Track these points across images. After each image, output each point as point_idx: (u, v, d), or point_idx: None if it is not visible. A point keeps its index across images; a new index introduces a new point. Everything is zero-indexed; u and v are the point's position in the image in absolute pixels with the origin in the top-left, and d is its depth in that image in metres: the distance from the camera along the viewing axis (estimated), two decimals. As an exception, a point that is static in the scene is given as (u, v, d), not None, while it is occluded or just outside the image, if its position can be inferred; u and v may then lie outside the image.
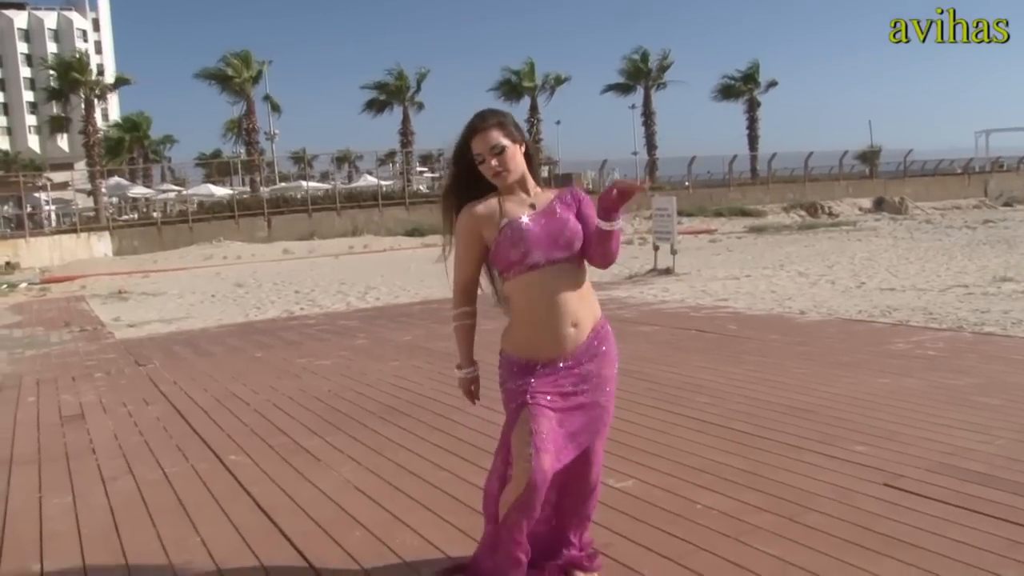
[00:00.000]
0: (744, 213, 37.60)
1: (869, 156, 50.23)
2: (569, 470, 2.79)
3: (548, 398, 2.68)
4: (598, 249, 2.74)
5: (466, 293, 2.84)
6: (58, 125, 46.99)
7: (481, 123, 2.70)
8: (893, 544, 3.07)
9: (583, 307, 2.74)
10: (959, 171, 49.84)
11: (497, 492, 2.77)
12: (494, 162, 2.68)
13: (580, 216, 2.76)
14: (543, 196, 2.78)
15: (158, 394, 6.73)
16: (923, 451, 4.09)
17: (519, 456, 2.63)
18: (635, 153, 50.18)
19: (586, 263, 2.79)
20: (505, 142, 2.69)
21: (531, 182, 2.79)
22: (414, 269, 20.65)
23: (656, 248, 16.65)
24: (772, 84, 51.91)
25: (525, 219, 2.70)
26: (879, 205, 40.54)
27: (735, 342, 7.49)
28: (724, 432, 4.63)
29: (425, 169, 56.54)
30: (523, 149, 2.76)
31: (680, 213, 23.73)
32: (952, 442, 4.20)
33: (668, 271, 15.66)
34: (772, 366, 6.35)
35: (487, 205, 2.74)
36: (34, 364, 8.88)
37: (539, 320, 2.70)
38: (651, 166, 47.61)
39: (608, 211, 2.68)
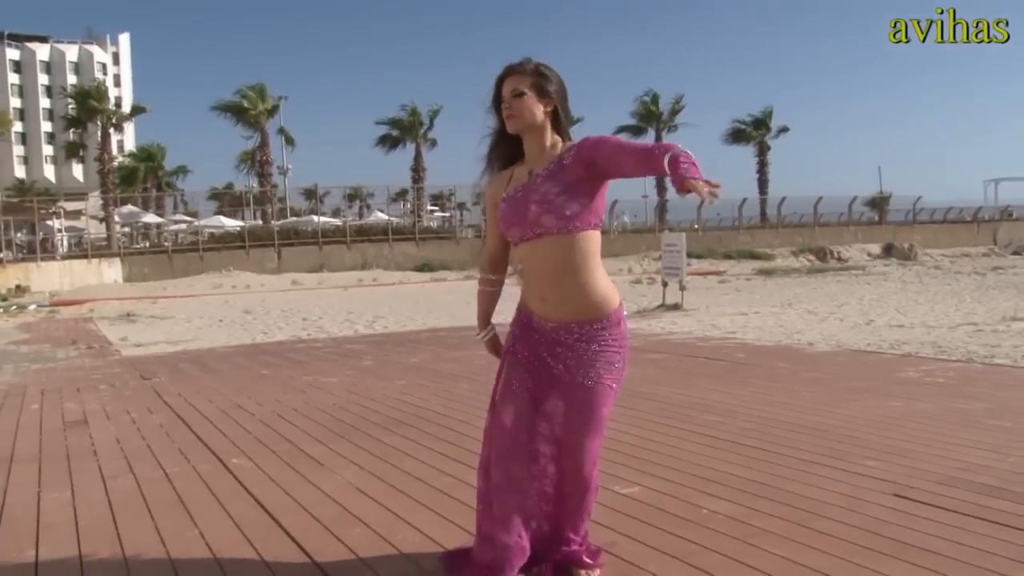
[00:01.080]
0: (753, 256, 37.64)
1: (879, 202, 50.35)
2: (563, 467, 2.75)
3: (526, 358, 2.75)
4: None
5: (491, 261, 2.93)
6: (74, 151, 47.55)
7: (516, 65, 2.70)
8: (904, 548, 3.00)
9: (561, 288, 2.66)
10: (968, 219, 49.89)
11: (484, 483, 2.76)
12: (505, 105, 2.68)
13: (593, 167, 2.57)
14: (547, 160, 2.69)
15: (162, 404, 6.70)
16: (934, 466, 4.02)
17: (494, 403, 2.75)
18: (645, 196, 50.44)
19: (584, 240, 2.63)
20: (526, 90, 2.65)
21: (549, 141, 2.73)
22: (423, 301, 20.68)
23: (665, 284, 16.63)
24: (783, 130, 52.27)
25: (506, 196, 2.73)
26: (888, 251, 40.49)
27: (743, 368, 7.44)
28: (733, 447, 4.57)
29: (436, 208, 56.80)
30: (549, 108, 2.69)
31: (689, 255, 23.72)
32: (964, 459, 4.14)
33: (677, 307, 15.61)
34: (781, 390, 6.29)
35: (503, 174, 2.80)
36: (39, 376, 8.86)
37: (526, 283, 2.79)
38: (661, 208, 47.79)
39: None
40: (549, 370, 2.72)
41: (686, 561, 2.97)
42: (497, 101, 2.73)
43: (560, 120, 2.74)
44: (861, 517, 3.34)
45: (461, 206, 59.87)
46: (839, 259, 38.13)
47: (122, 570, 3.16)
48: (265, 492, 4.08)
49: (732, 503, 3.59)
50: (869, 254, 39.80)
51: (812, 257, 38.63)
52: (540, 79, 2.67)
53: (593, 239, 2.69)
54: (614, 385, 2.74)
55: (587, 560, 2.86)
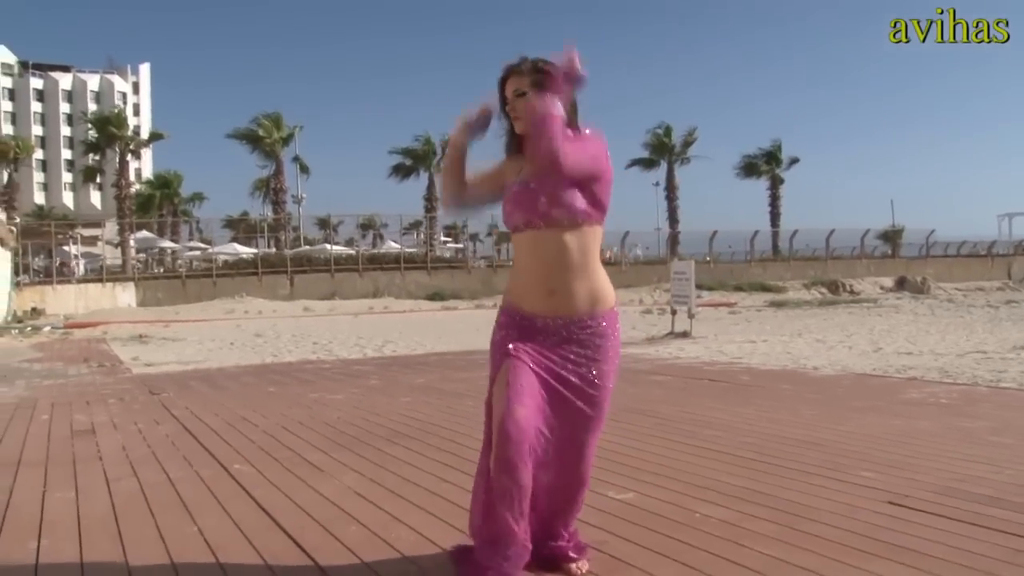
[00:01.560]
0: (765, 288, 37.59)
1: (891, 236, 50.26)
2: (561, 462, 2.77)
3: (531, 357, 2.66)
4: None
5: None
6: (91, 175, 48.25)
7: (515, 65, 2.73)
8: (896, 550, 3.01)
9: (569, 279, 2.69)
10: (982, 253, 49.68)
11: (482, 491, 2.74)
12: (510, 107, 2.72)
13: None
14: None
15: (169, 416, 6.77)
16: (931, 477, 4.03)
17: (496, 409, 2.62)
18: (658, 228, 50.62)
19: (591, 233, 2.71)
20: (527, 89, 2.68)
21: None
22: (433, 329, 20.73)
23: (674, 312, 16.66)
24: (794, 161, 52.52)
25: (519, 182, 2.72)
26: (901, 284, 40.34)
27: (747, 389, 7.45)
28: (730, 459, 4.59)
29: (449, 239, 57.02)
30: None
31: (700, 287, 23.66)
32: (961, 471, 4.14)
33: (685, 334, 15.61)
34: (783, 408, 6.30)
35: (518, 158, 2.79)
36: (51, 391, 8.95)
37: (524, 280, 2.76)
38: (673, 240, 47.86)
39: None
40: (554, 368, 2.70)
41: (675, 559, 2.99)
42: (503, 103, 2.78)
43: (567, 115, 2.77)
44: (855, 522, 3.36)
45: (474, 237, 60.14)
46: (851, 292, 38.04)
47: (121, 564, 3.20)
48: (265, 494, 4.12)
49: (726, 508, 3.61)
50: (882, 287, 39.67)
51: (824, 290, 38.54)
52: (539, 75, 2.71)
53: (598, 233, 2.77)
54: (614, 377, 2.80)
55: (573, 555, 2.89)
